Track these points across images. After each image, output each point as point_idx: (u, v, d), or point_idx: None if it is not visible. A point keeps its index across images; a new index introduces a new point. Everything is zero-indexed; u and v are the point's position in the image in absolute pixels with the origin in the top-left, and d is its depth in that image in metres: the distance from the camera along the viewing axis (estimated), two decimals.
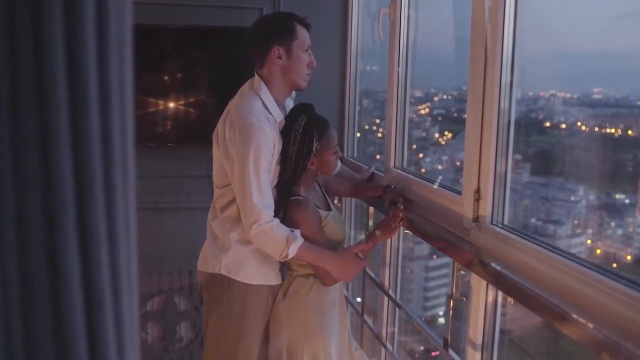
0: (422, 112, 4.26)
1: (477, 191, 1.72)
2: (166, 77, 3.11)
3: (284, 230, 1.93)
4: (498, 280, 1.60)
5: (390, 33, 2.41)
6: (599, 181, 2.90)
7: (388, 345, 2.47)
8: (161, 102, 3.05)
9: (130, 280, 0.61)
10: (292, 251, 1.92)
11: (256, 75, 2.05)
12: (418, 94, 3.96)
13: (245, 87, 2.06)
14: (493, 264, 1.61)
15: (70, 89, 0.52)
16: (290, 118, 2.02)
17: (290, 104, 2.15)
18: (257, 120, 1.91)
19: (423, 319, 5.15)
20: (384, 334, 2.52)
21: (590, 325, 1.22)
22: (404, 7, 2.35)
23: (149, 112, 3.04)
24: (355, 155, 3.13)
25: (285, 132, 2.00)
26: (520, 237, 1.59)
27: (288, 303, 2.07)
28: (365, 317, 2.65)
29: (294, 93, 2.15)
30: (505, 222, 1.70)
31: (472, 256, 1.71)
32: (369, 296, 2.70)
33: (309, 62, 2.05)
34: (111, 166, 0.57)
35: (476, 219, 1.74)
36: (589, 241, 3.14)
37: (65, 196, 0.53)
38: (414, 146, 4.27)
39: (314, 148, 1.99)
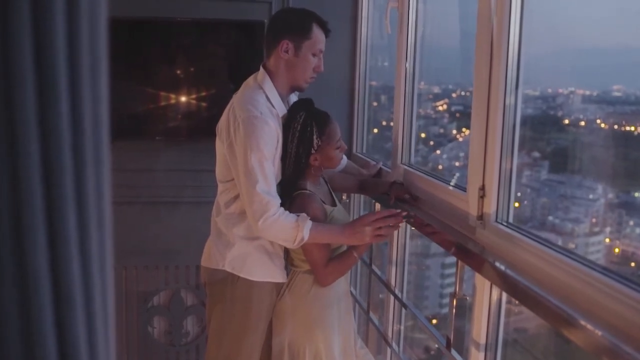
0: (440, 108, 4.24)
1: (482, 188, 1.70)
2: (178, 71, 3.11)
3: (291, 216, 1.90)
4: (501, 281, 1.57)
5: (398, 27, 2.38)
6: (618, 179, 2.86)
7: (394, 345, 2.45)
8: (173, 96, 3.05)
9: (104, 276, 0.60)
10: (306, 233, 1.88)
11: (261, 69, 2.04)
12: (436, 90, 3.93)
13: (250, 80, 2.05)
14: (497, 264, 1.58)
15: (37, 78, 0.51)
16: (289, 115, 2.00)
17: (294, 98, 2.13)
18: (260, 113, 1.89)
19: (439, 316, 5.11)
20: (389, 333, 2.49)
21: (599, 333, 1.16)
22: (412, 0, 2.32)
23: (161, 107, 3.05)
24: (364, 151, 3.10)
25: (285, 130, 1.97)
26: (525, 236, 1.56)
27: (290, 299, 2.05)
28: (371, 314, 2.63)
29: None
30: (510, 220, 1.67)
31: (475, 255, 1.68)
32: (376, 292, 2.69)
33: (316, 66, 2.02)
34: (82, 160, 0.56)
35: (480, 217, 1.71)
36: (607, 240, 3.10)
37: (33, 191, 0.52)
38: (432, 142, 4.24)
39: (314, 144, 1.97)
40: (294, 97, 2.14)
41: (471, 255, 1.70)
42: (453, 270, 1.86)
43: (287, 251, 2.09)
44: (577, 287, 1.31)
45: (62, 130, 0.54)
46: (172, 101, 3.05)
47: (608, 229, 3.12)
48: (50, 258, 0.54)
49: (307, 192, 1.99)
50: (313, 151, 1.98)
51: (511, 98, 1.64)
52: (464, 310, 1.82)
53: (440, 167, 4.16)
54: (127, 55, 2.93)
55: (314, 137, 1.97)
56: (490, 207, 1.68)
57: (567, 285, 1.35)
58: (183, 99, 3.06)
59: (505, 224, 1.66)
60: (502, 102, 1.63)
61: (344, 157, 2.39)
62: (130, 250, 3.07)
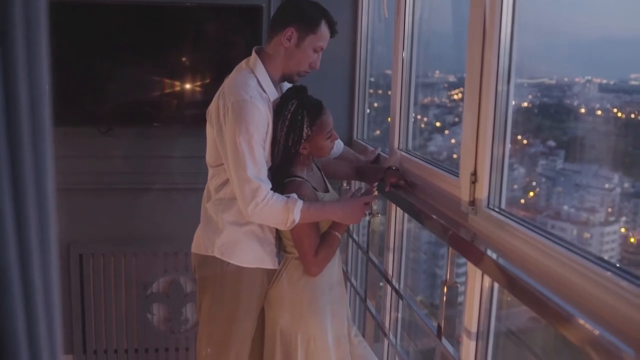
0: (455, 97, 4.19)
1: (474, 174, 1.67)
2: (184, 58, 3.09)
3: (281, 199, 1.89)
4: (492, 270, 1.54)
5: (395, 10, 2.34)
6: (634, 168, 2.83)
7: (391, 336, 2.43)
8: (177, 83, 3.04)
9: (47, 263, 0.58)
10: (297, 215, 1.88)
11: (253, 53, 2.01)
12: (451, 79, 3.88)
13: (242, 64, 2.03)
14: (488, 252, 1.56)
15: None
16: (281, 102, 1.98)
17: (287, 85, 2.11)
18: (250, 97, 1.87)
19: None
20: (387, 322, 2.48)
21: (596, 332, 1.09)
22: None
23: (165, 94, 3.03)
24: (365, 137, 3.09)
25: (275, 117, 1.95)
26: (517, 222, 1.53)
27: (282, 286, 2.04)
28: (368, 302, 2.62)
29: None
30: (502, 206, 1.64)
31: (466, 242, 1.66)
32: (376, 280, 2.66)
33: (313, 62, 2.00)
34: (17, 141, 0.54)
35: (472, 202, 1.69)
36: (622, 229, 3.06)
37: None
38: (446, 131, 4.21)
39: (304, 134, 1.95)
40: (287, 84, 2.11)
41: (462, 242, 1.68)
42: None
43: (278, 237, 2.08)
44: (568, 276, 1.28)
45: None
46: (177, 88, 3.04)
47: (623, 219, 3.08)
48: None
49: (298, 179, 1.98)
50: (302, 140, 1.96)
51: (503, 85, 1.61)
52: (455, 298, 1.81)
53: (455, 155, 4.11)
54: (129, 40, 2.92)
55: (305, 126, 1.95)
56: (482, 193, 1.65)
57: (557, 273, 1.32)
58: (188, 86, 3.04)
59: (497, 209, 1.63)
60: (494, 88, 1.60)
61: (341, 143, 2.37)
62: (128, 238, 3.07)
